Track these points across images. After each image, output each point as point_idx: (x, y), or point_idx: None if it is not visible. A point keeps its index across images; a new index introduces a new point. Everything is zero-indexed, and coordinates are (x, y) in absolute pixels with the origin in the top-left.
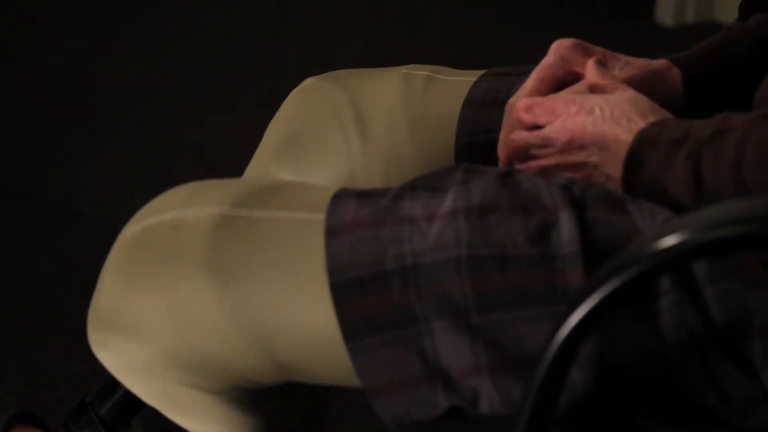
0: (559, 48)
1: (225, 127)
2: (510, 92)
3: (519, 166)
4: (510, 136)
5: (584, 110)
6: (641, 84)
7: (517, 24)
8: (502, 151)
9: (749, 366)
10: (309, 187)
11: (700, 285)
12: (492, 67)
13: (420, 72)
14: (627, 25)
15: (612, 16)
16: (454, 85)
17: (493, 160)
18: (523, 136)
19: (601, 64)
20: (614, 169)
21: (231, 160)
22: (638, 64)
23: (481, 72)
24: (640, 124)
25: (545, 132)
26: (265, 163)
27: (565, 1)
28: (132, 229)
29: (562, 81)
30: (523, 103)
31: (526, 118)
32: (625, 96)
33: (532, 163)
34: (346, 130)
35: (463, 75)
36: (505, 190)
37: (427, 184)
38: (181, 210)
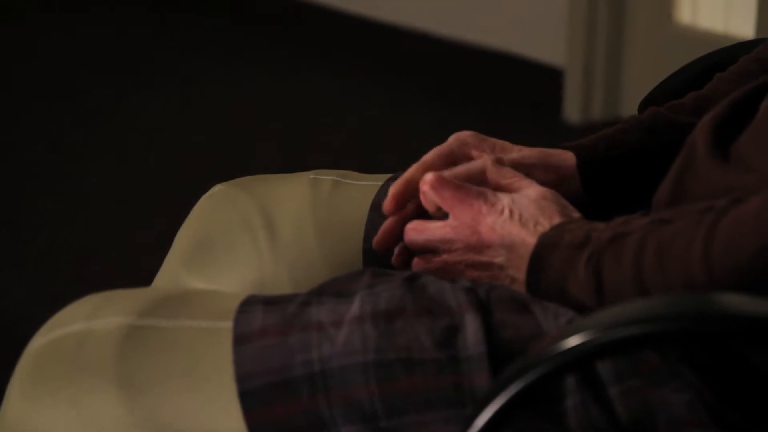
0: (458, 135)
1: (136, 233)
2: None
3: (420, 262)
4: (410, 224)
5: (495, 210)
6: (538, 163)
7: (425, 124)
8: (384, 226)
9: None
10: (217, 294)
11: (605, 384)
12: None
13: (327, 177)
14: (535, 123)
15: (520, 114)
16: (361, 190)
17: (399, 263)
18: (428, 226)
19: (500, 162)
20: (519, 271)
21: (142, 266)
22: (534, 150)
23: (387, 176)
24: (546, 226)
25: (453, 228)
26: (175, 270)
27: (473, 99)
28: (39, 340)
29: (458, 162)
30: (433, 177)
31: (432, 195)
32: (532, 196)
33: (437, 259)
34: (255, 236)
35: (369, 179)
36: (411, 293)
37: (334, 290)
38: (89, 321)
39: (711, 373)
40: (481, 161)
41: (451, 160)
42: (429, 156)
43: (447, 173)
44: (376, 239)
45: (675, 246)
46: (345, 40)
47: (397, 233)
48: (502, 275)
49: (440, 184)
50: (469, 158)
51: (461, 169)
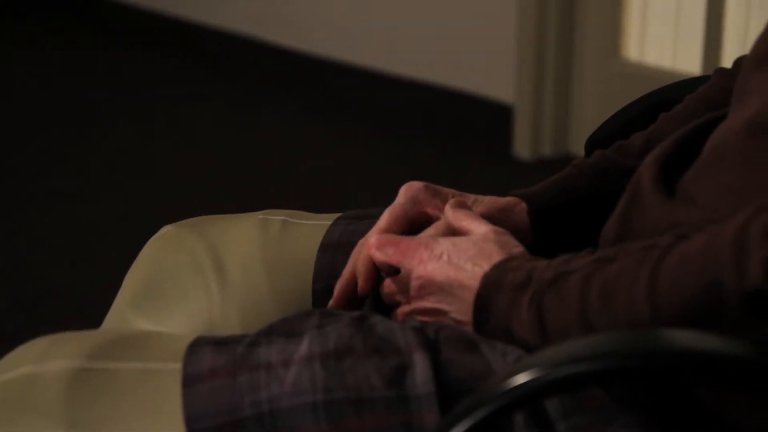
0: (409, 189)
1: (87, 274)
2: (364, 235)
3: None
4: (383, 290)
5: (434, 256)
6: (490, 220)
7: (377, 162)
8: (337, 287)
9: None
10: (166, 336)
11: (553, 421)
12: (348, 209)
13: (276, 217)
14: (486, 159)
15: (471, 151)
16: (310, 229)
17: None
18: (384, 284)
19: (460, 204)
20: (463, 314)
21: (94, 308)
22: (486, 201)
23: (336, 215)
24: (484, 267)
25: (398, 279)
26: (124, 312)
27: (424, 136)
28: None
29: (414, 220)
30: (375, 240)
31: (377, 256)
32: (475, 238)
33: (398, 310)
34: (205, 277)
35: (318, 219)
36: (360, 333)
37: (283, 330)
38: (37, 364)
39: (658, 409)
40: (439, 224)
41: (407, 222)
42: (383, 222)
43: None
44: (332, 302)
45: (620, 284)
46: (297, 79)
47: (351, 292)
48: (447, 319)
49: (383, 243)
50: (425, 216)
51: (429, 231)
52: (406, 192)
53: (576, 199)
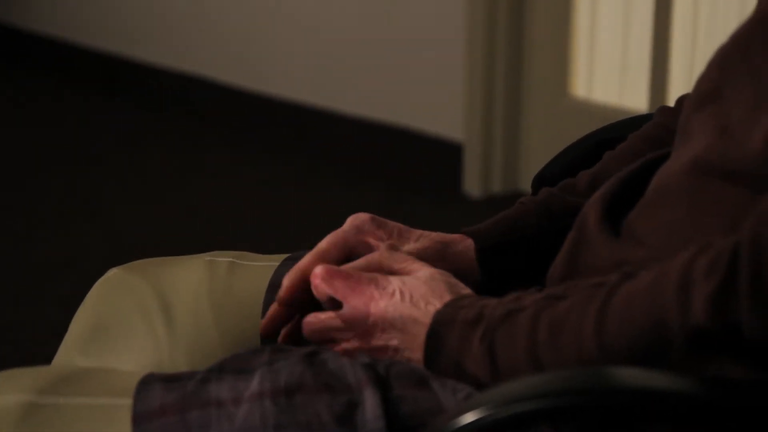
0: (355, 219)
1: (34, 316)
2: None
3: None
4: (306, 318)
5: (386, 293)
6: (436, 255)
7: (326, 201)
8: (269, 312)
9: None
10: (116, 373)
11: None
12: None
13: (223, 258)
14: (435, 198)
15: (420, 190)
16: (258, 270)
17: (297, 343)
18: (322, 318)
19: (394, 248)
20: (414, 351)
21: (41, 350)
22: (433, 237)
23: (284, 256)
24: (437, 305)
25: (348, 316)
26: (71, 355)
27: (374, 175)
28: None
29: (354, 248)
30: (323, 269)
31: (323, 287)
32: (423, 277)
33: (336, 347)
34: (152, 320)
35: (266, 260)
36: (311, 369)
37: (233, 366)
38: None
39: None
40: (378, 253)
41: (347, 248)
42: (323, 244)
43: (347, 267)
44: (262, 325)
45: (568, 322)
46: (245, 118)
47: (283, 319)
48: (398, 357)
49: (330, 275)
50: (366, 245)
51: (360, 262)
52: (352, 221)
53: (523, 236)
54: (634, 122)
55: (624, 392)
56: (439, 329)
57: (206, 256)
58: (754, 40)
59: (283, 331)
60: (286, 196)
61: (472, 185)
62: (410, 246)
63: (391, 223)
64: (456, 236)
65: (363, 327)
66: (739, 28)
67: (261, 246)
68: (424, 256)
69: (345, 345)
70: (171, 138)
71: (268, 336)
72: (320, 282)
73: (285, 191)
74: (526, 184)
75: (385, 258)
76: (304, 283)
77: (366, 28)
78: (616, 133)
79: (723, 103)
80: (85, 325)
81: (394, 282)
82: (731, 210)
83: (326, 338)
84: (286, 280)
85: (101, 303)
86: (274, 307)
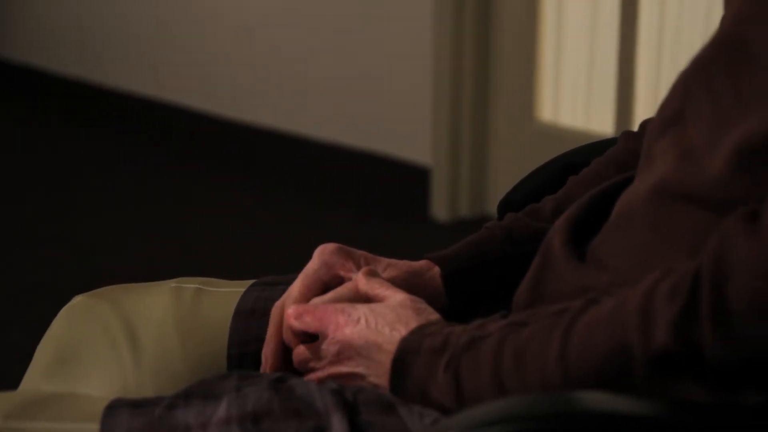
0: (322, 253)
1: (4, 341)
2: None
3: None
4: (294, 351)
5: (351, 321)
6: (403, 285)
7: (294, 225)
8: (266, 353)
9: None
10: (83, 398)
11: None
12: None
13: (189, 285)
14: (403, 222)
15: (388, 214)
16: (224, 296)
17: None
18: (300, 351)
19: (372, 273)
20: (381, 378)
21: (6, 376)
22: (400, 266)
23: (250, 282)
24: (402, 332)
25: (315, 345)
26: (36, 382)
27: (341, 200)
28: None
29: (327, 285)
30: (293, 310)
31: (296, 325)
32: (392, 304)
33: (311, 376)
34: (118, 347)
35: (232, 285)
36: (279, 395)
37: (201, 392)
38: None
39: None
40: (350, 284)
41: (322, 288)
42: (296, 288)
43: (317, 300)
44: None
45: (532, 348)
46: (210, 142)
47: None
48: (365, 383)
49: (300, 313)
50: (338, 279)
51: (330, 295)
52: (320, 256)
53: (487, 261)
54: (598, 146)
55: (588, 416)
56: (404, 357)
57: (172, 283)
58: (715, 64)
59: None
60: (254, 221)
61: (440, 209)
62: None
63: (359, 252)
64: (423, 264)
65: (331, 355)
66: (700, 52)
67: (228, 272)
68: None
69: (318, 374)
70: (142, 164)
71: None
72: (293, 321)
73: (252, 216)
74: (493, 208)
75: (361, 283)
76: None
77: (335, 54)
78: (580, 157)
79: (685, 127)
80: (50, 351)
81: (361, 309)
82: (695, 234)
83: (308, 369)
84: (267, 348)
85: (67, 329)
86: (270, 346)
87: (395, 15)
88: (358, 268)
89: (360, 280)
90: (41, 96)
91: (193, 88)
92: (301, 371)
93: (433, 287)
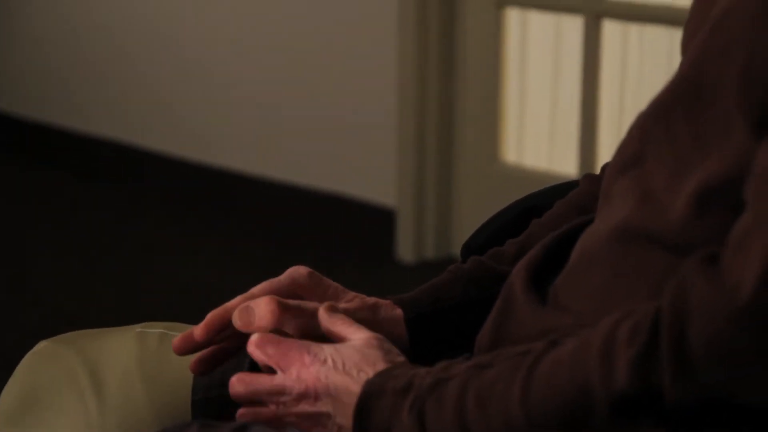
0: (293, 272)
1: None
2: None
3: (247, 413)
4: (234, 378)
5: (318, 360)
6: (367, 317)
7: (259, 269)
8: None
9: None
10: None
11: None
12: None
13: (154, 330)
14: (369, 264)
15: (354, 256)
16: None
17: (229, 414)
18: (252, 381)
19: (333, 309)
20: (346, 419)
21: None
22: (366, 300)
23: None
24: (370, 373)
25: (280, 380)
26: (0, 428)
27: (307, 242)
28: None
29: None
30: (257, 337)
31: (257, 354)
32: (357, 344)
33: (266, 412)
34: (82, 393)
35: None
36: None
37: None
38: None
39: None
40: (315, 305)
41: (278, 296)
42: (257, 289)
43: (276, 298)
44: (192, 363)
45: (495, 390)
46: (174, 185)
47: (214, 360)
48: (330, 424)
49: (263, 342)
50: (298, 299)
51: (294, 302)
52: (291, 274)
53: (450, 305)
54: (561, 189)
55: None
56: (368, 399)
57: (137, 328)
58: (673, 107)
59: (194, 358)
60: (217, 264)
61: (405, 251)
62: (343, 306)
63: (328, 281)
64: (387, 303)
65: (296, 392)
66: (659, 94)
67: (194, 316)
68: (355, 317)
69: (275, 409)
70: (106, 207)
71: (198, 372)
72: (254, 349)
73: (216, 259)
74: (459, 249)
75: (323, 319)
76: (224, 321)
77: (299, 97)
78: (543, 199)
79: (644, 169)
80: (15, 397)
81: (327, 349)
82: (655, 275)
83: (254, 400)
84: (209, 316)
85: (31, 375)
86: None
87: (359, 57)
88: (325, 296)
89: (321, 317)
90: (2, 138)
91: (157, 131)
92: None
93: (396, 326)
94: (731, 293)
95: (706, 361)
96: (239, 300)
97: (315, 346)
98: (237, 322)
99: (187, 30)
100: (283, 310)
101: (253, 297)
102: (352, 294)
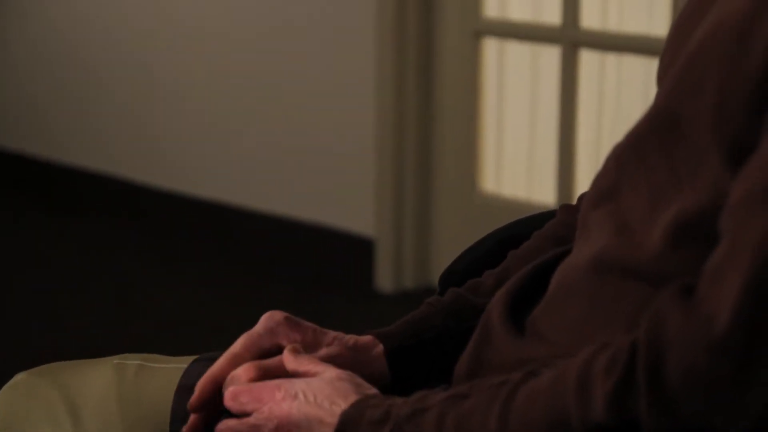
0: (269, 320)
1: None
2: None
3: None
4: (217, 426)
5: (289, 395)
6: (348, 360)
7: (237, 299)
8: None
9: None
10: None
11: None
12: (214, 346)
13: (132, 361)
14: (348, 294)
15: (332, 286)
16: (166, 373)
17: None
18: (230, 424)
19: (297, 351)
20: None
21: None
22: (346, 340)
23: (192, 358)
24: (342, 405)
25: (252, 420)
26: None
27: (285, 272)
28: None
29: (268, 351)
30: (229, 392)
31: (233, 406)
32: (327, 378)
33: None
34: (60, 425)
35: (174, 362)
36: None
37: None
38: None
39: None
40: (281, 357)
41: (261, 352)
42: (237, 348)
43: (255, 363)
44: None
45: (473, 420)
46: (154, 216)
47: (201, 425)
48: None
49: (236, 394)
50: (280, 347)
51: (273, 361)
52: (266, 322)
53: (429, 338)
54: (538, 219)
55: None
56: (345, 429)
57: (115, 359)
58: (649, 140)
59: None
60: (196, 296)
61: (384, 281)
62: (322, 352)
63: (306, 324)
64: (368, 340)
65: (269, 429)
66: (635, 127)
67: (171, 347)
68: (336, 362)
69: None
70: (81, 238)
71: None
72: (231, 404)
73: (194, 290)
74: (437, 279)
75: (288, 361)
76: (215, 388)
77: (277, 126)
78: (521, 229)
79: (620, 201)
80: None
81: (298, 384)
82: (632, 306)
83: None
84: (199, 386)
85: (8, 408)
86: (192, 417)
87: (337, 86)
88: (304, 340)
89: (287, 359)
90: None
91: (135, 162)
92: None
93: (377, 364)
94: (707, 324)
95: (683, 391)
96: (223, 361)
97: (287, 383)
98: (229, 403)
99: (165, 61)
100: (264, 374)
101: (235, 356)
102: (331, 335)
